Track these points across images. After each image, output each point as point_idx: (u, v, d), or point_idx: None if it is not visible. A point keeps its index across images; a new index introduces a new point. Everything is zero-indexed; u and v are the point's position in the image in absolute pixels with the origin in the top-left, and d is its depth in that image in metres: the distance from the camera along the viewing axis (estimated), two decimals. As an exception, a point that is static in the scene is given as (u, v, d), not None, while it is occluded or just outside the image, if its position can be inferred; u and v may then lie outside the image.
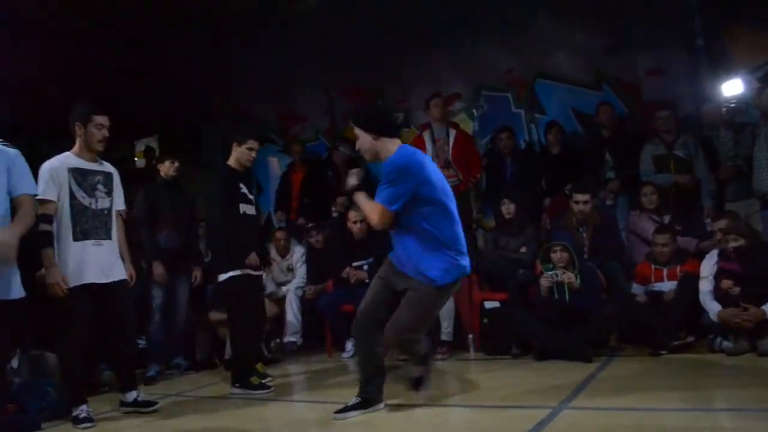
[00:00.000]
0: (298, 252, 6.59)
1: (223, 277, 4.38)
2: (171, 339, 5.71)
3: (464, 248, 3.29)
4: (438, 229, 3.19)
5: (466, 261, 3.28)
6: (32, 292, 4.66)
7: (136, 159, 9.56)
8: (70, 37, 6.45)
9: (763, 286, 4.10)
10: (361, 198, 3.35)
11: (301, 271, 6.47)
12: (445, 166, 6.22)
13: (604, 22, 6.44)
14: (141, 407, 3.88)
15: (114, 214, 3.98)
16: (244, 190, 4.52)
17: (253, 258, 4.38)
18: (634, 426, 2.71)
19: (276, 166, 8.43)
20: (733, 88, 5.26)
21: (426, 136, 6.38)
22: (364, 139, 3.34)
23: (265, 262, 4.92)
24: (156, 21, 6.67)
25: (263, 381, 4.41)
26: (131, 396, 3.92)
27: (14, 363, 3.98)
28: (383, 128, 3.35)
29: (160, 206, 5.37)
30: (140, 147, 9.50)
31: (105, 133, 3.87)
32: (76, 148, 3.87)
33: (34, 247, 4.00)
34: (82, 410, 3.67)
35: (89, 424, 3.61)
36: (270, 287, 6.55)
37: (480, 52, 6.92)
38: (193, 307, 5.74)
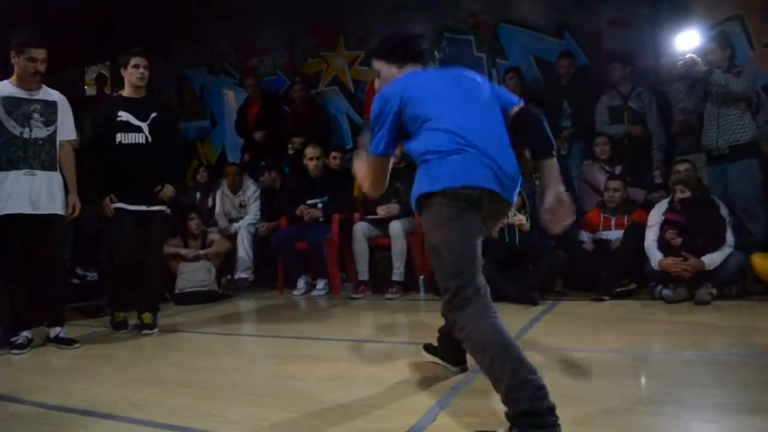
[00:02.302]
0: (251, 188, 6.52)
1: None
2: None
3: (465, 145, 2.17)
4: (426, 143, 2.24)
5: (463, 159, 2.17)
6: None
7: (86, 86, 9.21)
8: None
9: (704, 238, 4.26)
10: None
11: (253, 208, 6.43)
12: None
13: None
14: (62, 344, 3.85)
15: (57, 144, 3.88)
16: (125, 117, 4.21)
17: (105, 204, 4.21)
18: (575, 364, 2.81)
19: (232, 99, 8.24)
20: (688, 41, 5.30)
21: (386, 75, 6.29)
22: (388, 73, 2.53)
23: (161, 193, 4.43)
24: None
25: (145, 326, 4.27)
26: (54, 332, 3.90)
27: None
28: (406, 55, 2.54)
29: None
30: (91, 74, 9.14)
31: (38, 66, 3.72)
32: (13, 76, 3.75)
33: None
34: (19, 336, 3.70)
35: (20, 351, 3.63)
36: (222, 223, 6.51)
37: (445, -7, 6.81)
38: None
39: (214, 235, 6.05)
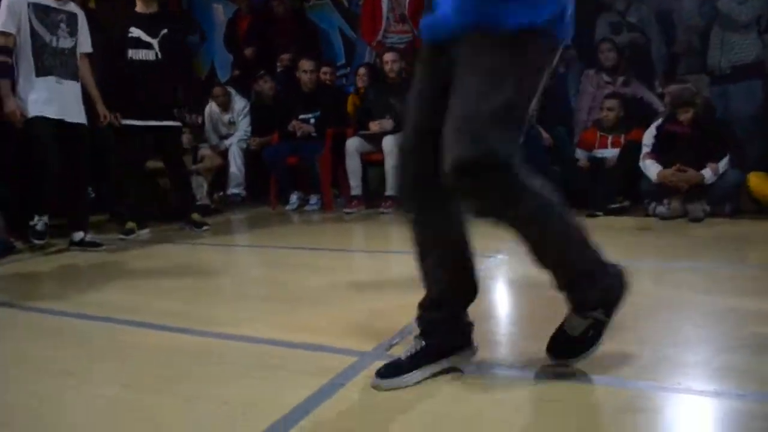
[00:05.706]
0: (239, 104, 6.35)
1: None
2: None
3: None
4: None
5: None
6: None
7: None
8: None
9: (705, 151, 4.22)
10: None
11: (243, 124, 6.28)
12: (400, 20, 6.00)
13: None
14: (87, 247, 3.94)
15: (78, 55, 3.92)
16: (136, 33, 4.29)
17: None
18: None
19: (221, 12, 7.95)
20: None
21: (382, -12, 6.08)
22: None
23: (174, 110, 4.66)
24: None
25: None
26: (78, 236, 3.97)
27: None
28: None
29: None
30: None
31: None
32: None
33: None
34: (38, 221, 3.82)
35: (40, 240, 3.80)
36: (212, 139, 6.39)
37: None
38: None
39: (205, 151, 5.95)
